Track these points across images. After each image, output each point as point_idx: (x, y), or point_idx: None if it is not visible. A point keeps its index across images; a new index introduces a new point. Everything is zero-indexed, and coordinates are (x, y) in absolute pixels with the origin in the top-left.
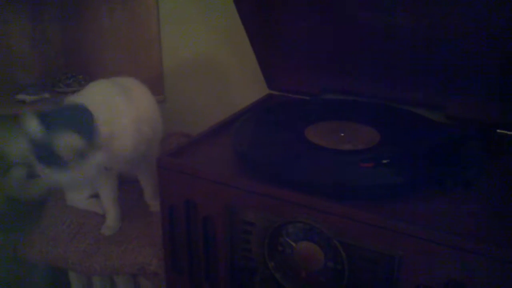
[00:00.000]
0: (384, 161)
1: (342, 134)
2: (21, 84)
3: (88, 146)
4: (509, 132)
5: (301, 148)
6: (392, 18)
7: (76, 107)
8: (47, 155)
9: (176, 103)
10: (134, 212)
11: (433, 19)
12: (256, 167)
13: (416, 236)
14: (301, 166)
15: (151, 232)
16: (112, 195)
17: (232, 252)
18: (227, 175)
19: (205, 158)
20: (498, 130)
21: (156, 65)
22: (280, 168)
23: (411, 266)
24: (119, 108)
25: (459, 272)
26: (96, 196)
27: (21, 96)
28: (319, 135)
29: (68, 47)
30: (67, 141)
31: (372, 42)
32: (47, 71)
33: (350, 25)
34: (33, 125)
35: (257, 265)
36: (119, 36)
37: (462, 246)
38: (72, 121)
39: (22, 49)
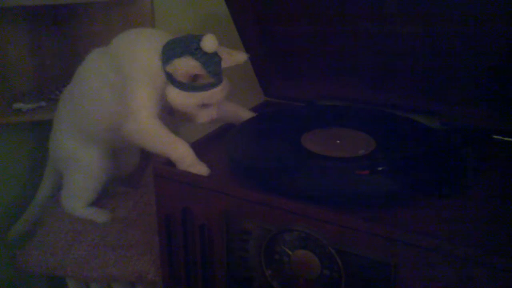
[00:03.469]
0: (380, 168)
1: (338, 141)
2: (18, 93)
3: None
4: (505, 138)
5: (297, 155)
6: (389, 25)
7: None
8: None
9: None
10: (132, 219)
11: (431, 27)
12: (252, 175)
13: (412, 244)
14: (296, 174)
15: (149, 240)
16: None
17: (229, 260)
18: (223, 183)
19: None
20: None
21: None
22: (275, 176)
23: (407, 273)
24: None
25: (455, 280)
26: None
27: (17, 105)
28: (314, 142)
29: (63, 55)
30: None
31: (368, 49)
32: (43, 80)
33: (347, 33)
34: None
35: (254, 273)
36: None
37: (458, 254)
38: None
39: (18, 58)
